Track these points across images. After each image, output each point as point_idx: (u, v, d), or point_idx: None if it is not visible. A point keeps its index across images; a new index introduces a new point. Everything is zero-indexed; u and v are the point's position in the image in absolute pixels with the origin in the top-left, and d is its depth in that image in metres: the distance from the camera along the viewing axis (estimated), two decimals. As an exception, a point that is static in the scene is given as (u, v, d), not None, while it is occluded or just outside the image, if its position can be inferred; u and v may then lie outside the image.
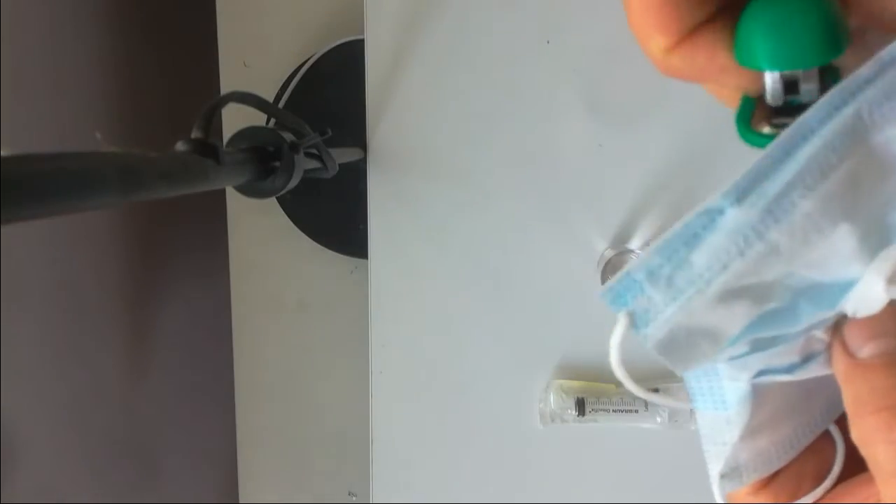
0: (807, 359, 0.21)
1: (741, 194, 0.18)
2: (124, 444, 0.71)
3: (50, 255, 0.61)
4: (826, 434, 0.24)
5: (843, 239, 0.18)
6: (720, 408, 0.22)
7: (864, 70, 0.18)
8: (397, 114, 0.53)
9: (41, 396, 0.61)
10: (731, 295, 0.19)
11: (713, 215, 0.19)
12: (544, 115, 0.52)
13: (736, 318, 0.19)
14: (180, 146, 0.35)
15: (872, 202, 0.18)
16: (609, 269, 0.50)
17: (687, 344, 0.20)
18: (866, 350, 0.20)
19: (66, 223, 0.62)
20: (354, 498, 0.70)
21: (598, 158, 0.52)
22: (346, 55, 0.61)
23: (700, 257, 0.19)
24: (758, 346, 0.20)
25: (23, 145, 0.23)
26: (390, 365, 0.56)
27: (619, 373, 0.21)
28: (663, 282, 0.19)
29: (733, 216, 0.18)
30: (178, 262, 0.78)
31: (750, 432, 0.22)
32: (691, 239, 0.19)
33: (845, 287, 0.19)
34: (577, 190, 0.52)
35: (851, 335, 0.20)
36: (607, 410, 0.52)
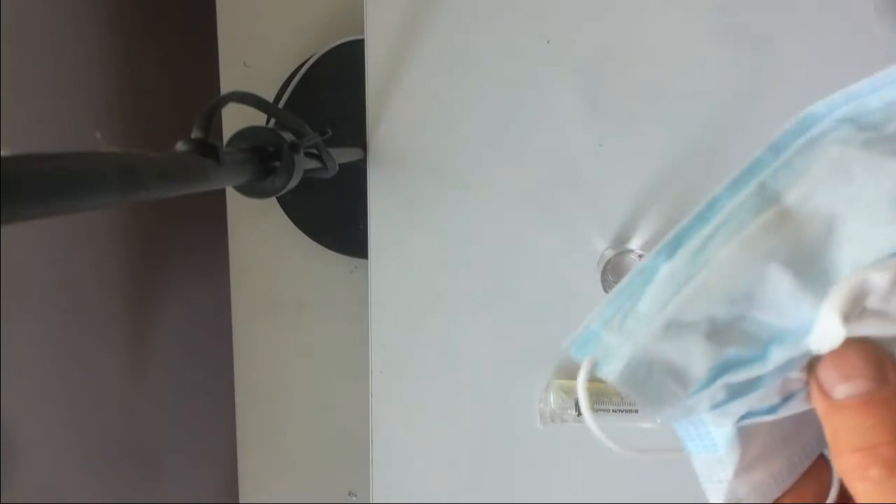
0: (786, 398, 0.23)
1: (671, 252, 0.22)
2: (124, 444, 0.71)
3: (50, 255, 0.61)
4: (822, 457, 0.25)
5: (778, 276, 0.21)
6: (711, 450, 0.24)
7: (762, 155, 0.22)
8: (397, 114, 0.53)
9: (41, 396, 0.61)
10: (676, 326, 0.22)
11: (650, 273, 0.22)
12: (544, 115, 0.52)
13: (696, 357, 0.22)
14: (180, 146, 0.35)
15: (800, 245, 0.21)
16: (609, 268, 0.50)
17: (650, 379, 0.22)
18: (839, 391, 0.21)
19: (66, 223, 0.62)
20: (354, 498, 0.70)
21: (598, 158, 0.52)
22: (346, 55, 0.61)
23: (644, 304, 0.22)
24: (735, 393, 0.22)
25: (23, 145, 0.23)
26: (390, 365, 0.56)
27: (584, 406, 0.24)
28: (616, 328, 0.22)
29: (666, 269, 0.22)
30: (178, 262, 0.78)
31: (744, 468, 0.24)
32: (635, 293, 0.22)
33: (808, 331, 0.21)
34: (578, 190, 0.52)
35: (824, 376, 0.21)
36: (607, 410, 0.52)
